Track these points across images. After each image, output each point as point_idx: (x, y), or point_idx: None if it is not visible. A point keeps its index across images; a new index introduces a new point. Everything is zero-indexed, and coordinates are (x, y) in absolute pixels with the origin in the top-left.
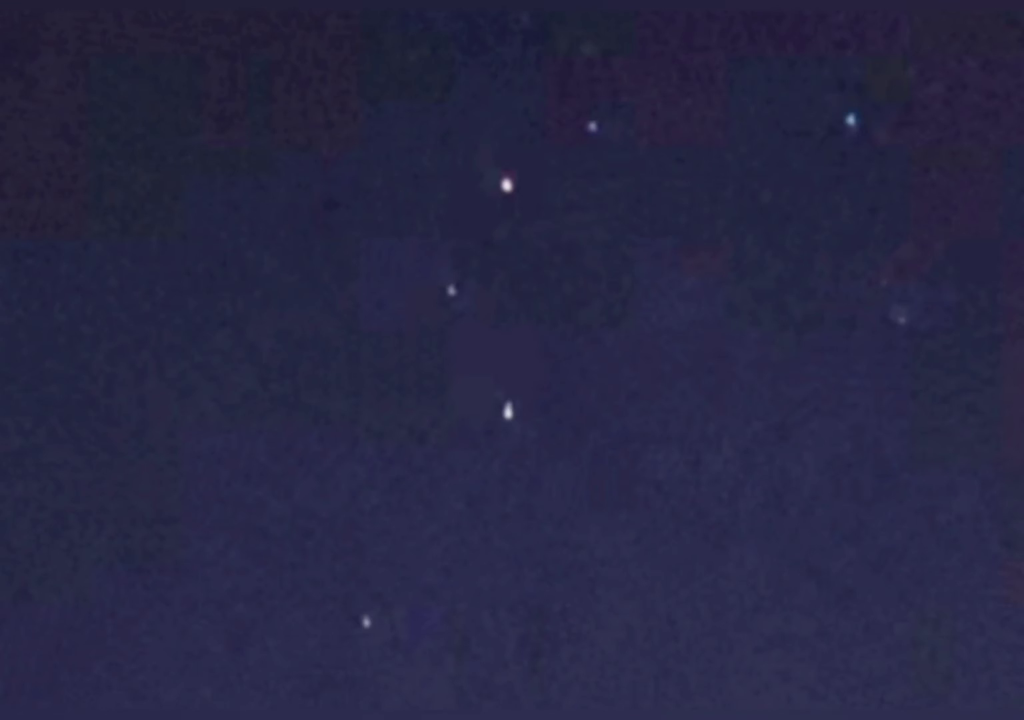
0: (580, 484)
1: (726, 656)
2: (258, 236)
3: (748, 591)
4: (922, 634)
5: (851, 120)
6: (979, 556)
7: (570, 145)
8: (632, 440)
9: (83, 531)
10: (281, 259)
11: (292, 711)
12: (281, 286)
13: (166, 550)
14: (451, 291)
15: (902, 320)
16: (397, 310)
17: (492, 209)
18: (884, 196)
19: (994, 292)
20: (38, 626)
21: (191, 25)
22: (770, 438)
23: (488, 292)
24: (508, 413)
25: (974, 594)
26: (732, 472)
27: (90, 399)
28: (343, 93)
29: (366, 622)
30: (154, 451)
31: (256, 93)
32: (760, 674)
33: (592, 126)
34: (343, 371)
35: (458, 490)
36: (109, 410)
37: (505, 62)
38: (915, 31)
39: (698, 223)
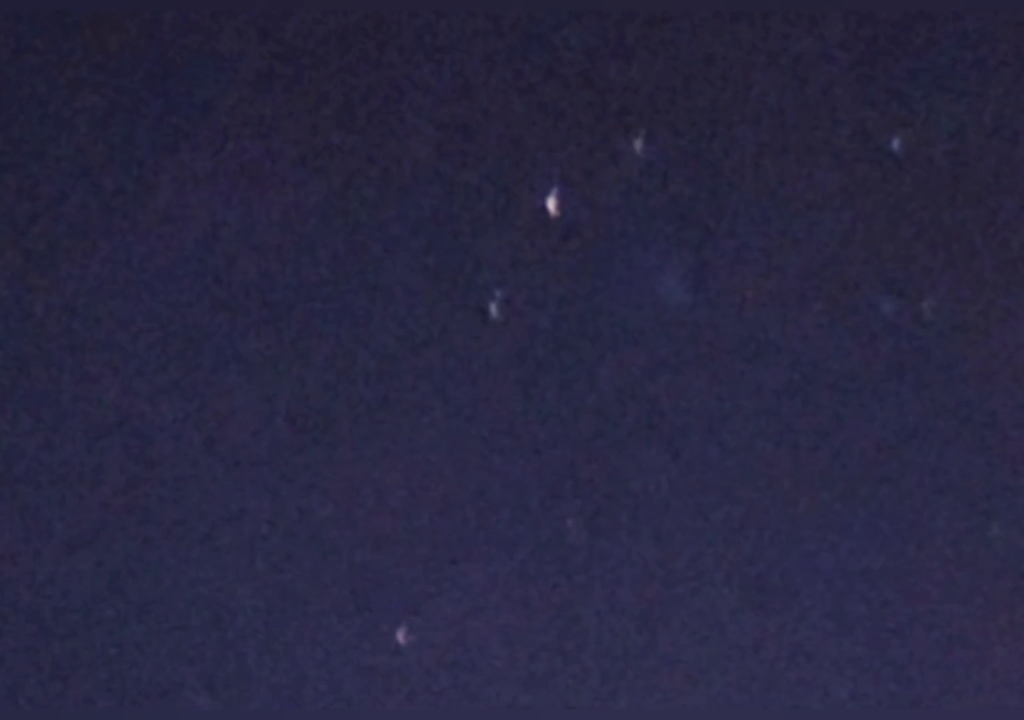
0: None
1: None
2: (292, 256)
3: (749, 587)
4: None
5: (895, 145)
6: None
7: (615, 164)
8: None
9: (87, 537)
10: (311, 283)
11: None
12: (308, 321)
13: (185, 556)
14: (493, 312)
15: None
16: (433, 332)
17: (536, 229)
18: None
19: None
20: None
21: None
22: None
23: (531, 312)
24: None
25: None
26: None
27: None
28: (387, 114)
29: (400, 636)
30: (179, 461)
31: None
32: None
33: (637, 145)
34: (388, 394)
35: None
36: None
37: (549, 81)
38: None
39: (745, 241)
